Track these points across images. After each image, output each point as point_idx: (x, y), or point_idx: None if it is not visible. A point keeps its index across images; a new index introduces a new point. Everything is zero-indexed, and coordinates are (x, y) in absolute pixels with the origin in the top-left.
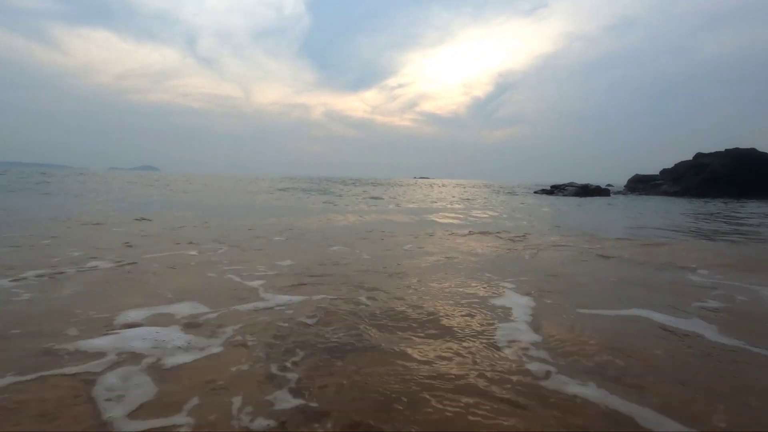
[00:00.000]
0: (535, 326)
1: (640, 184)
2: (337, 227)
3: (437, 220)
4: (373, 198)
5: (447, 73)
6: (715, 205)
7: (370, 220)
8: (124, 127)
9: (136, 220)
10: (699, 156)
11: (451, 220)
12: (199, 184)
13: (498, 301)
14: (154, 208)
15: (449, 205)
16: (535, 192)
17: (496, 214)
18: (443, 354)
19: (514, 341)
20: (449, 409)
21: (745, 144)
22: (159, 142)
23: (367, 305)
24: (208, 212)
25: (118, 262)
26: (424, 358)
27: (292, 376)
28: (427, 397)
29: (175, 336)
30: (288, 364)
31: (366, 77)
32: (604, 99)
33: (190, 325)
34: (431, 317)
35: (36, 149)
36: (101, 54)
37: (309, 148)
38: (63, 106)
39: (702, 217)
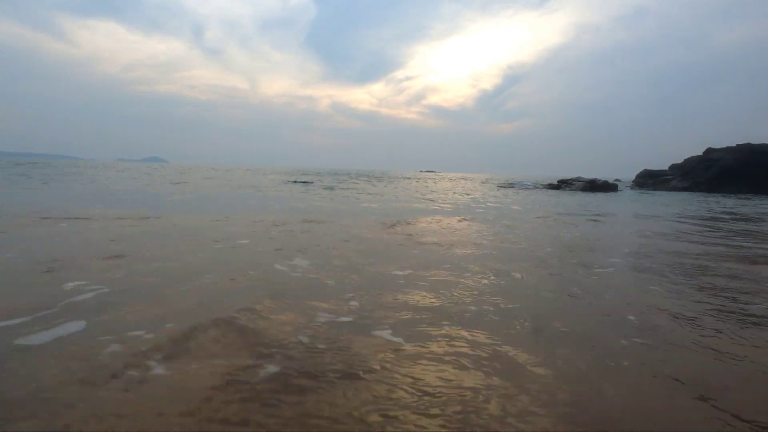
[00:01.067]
0: None
1: (649, 179)
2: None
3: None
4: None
5: (455, 65)
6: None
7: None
8: (132, 118)
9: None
10: (709, 151)
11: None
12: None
13: None
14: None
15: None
16: (546, 186)
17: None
18: None
19: None
20: None
21: (756, 139)
22: (166, 133)
23: None
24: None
25: None
26: None
27: None
28: None
29: None
30: None
31: (373, 69)
32: (613, 91)
33: None
34: None
35: (43, 140)
36: (109, 45)
37: (315, 140)
38: (70, 97)
39: None
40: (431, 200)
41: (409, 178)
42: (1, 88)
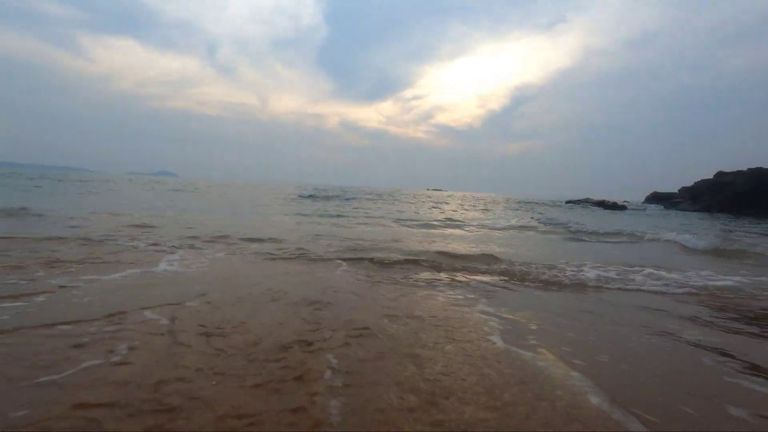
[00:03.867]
0: None
1: (658, 202)
2: None
3: None
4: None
5: (463, 85)
6: None
7: None
8: (144, 133)
9: None
10: (720, 174)
11: None
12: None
13: None
14: None
15: None
16: (568, 203)
17: None
18: None
19: None
20: None
21: (767, 163)
22: (177, 148)
23: None
24: None
25: None
26: None
27: None
28: None
29: None
30: None
31: (381, 88)
32: (621, 114)
33: None
34: None
35: (57, 153)
36: (124, 62)
37: (323, 157)
38: (85, 111)
39: None
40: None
41: (445, 200)
42: (18, 102)
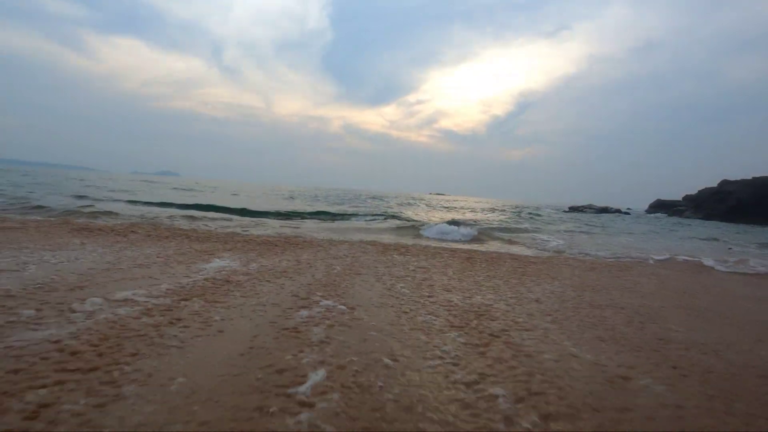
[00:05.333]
0: None
1: (662, 210)
2: None
3: None
4: None
5: (466, 91)
6: None
7: None
8: (147, 132)
9: None
10: (724, 183)
11: None
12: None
13: None
14: None
15: None
16: (567, 210)
17: None
18: None
19: None
20: None
21: None
22: (179, 148)
23: None
24: None
25: None
26: None
27: None
28: None
29: None
30: None
31: (385, 92)
32: (625, 121)
33: None
34: None
35: (61, 151)
36: (129, 61)
37: (326, 160)
38: (90, 110)
39: None
40: None
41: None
42: (25, 100)
